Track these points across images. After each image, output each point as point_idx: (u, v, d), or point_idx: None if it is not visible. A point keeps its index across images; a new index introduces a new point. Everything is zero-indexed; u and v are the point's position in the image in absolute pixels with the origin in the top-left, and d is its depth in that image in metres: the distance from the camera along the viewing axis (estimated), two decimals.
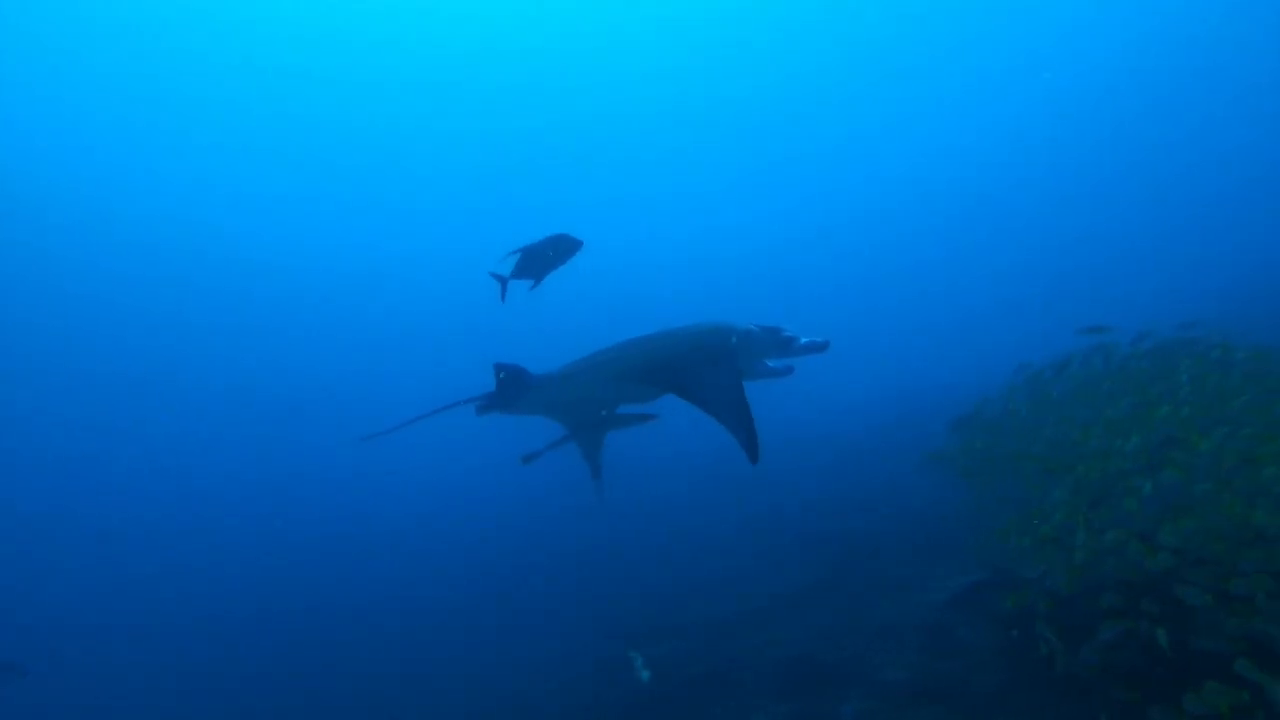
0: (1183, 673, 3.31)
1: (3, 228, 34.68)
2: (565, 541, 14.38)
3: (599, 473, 5.10)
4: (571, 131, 41.78)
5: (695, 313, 4.61)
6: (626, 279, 43.24)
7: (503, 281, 6.06)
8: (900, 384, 20.50)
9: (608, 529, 14.11)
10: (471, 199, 42.50)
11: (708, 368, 4.32)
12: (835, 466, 14.04)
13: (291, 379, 38.27)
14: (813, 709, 6.34)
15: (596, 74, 39.87)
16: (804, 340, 4.73)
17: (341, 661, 11.68)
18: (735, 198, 46.70)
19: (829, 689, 6.51)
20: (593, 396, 4.89)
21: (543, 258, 5.96)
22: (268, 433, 32.46)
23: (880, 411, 17.54)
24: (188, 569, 17.78)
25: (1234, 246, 26.34)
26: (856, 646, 7.15)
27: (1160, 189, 38.34)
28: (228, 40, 34.35)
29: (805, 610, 8.33)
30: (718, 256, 46.24)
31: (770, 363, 4.89)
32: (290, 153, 40.71)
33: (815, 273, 46.13)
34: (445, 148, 42.13)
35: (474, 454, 22.11)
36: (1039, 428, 5.74)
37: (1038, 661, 4.58)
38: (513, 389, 4.65)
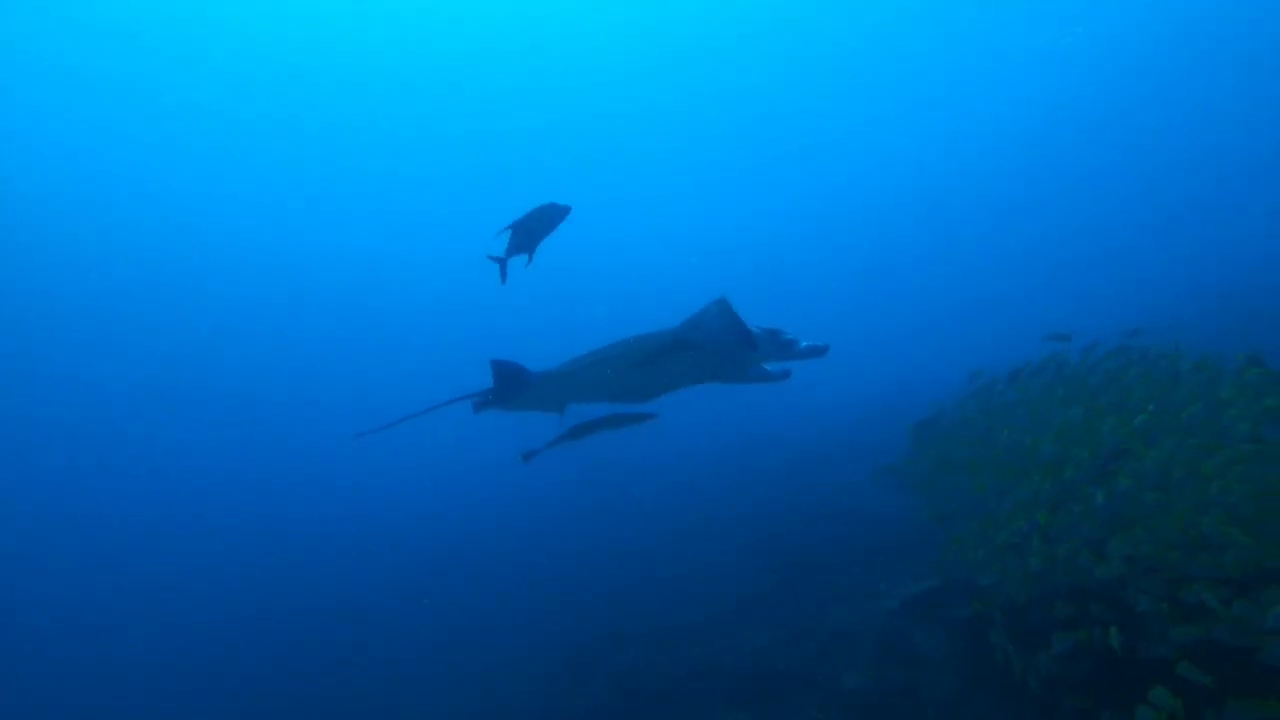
0: (1135, 680, 3.33)
1: (2, 229, 34.68)
2: (534, 546, 14.34)
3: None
4: (569, 131, 41.86)
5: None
6: (625, 279, 43.64)
7: (501, 263, 6.14)
8: (868, 386, 20.66)
9: (574, 535, 14.09)
10: (469, 198, 42.37)
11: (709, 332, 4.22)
12: (794, 471, 14.10)
13: (291, 379, 38.19)
14: (770, 718, 6.32)
15: (593, 74, 39.96)
16: (804, 344, 4.62)
17: (326, 661, 11.65)
18: (707, 197, 46.91)
19: (786, 697, 6.49)
20: (592, 392, 4.82)
21: (533, 230, 6.02)
22: (266, 434, 32.25)
23: (845, 414, 17.65)
24: (186, 569, 17.51)
25: (1208, 246, 26.94)
26: (812, 654, 7.14)
27: (1135, 189, 39.19)
28: (225, 40, 34.27)
29: (762, 617, 8.32)
30: (709, 256, 46.54)
31: (768, 366, 4.79)
32: (288, 154, 40.50)
33: (788, 273, 46.61)
34: (442, 147, 42.07)
35: (462, 456, 22.41)
36: (992, 436, 5.77)
37: (992, 669, 4.60)
38: (510, 386, 4.55)
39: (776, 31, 36.93)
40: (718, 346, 4.24)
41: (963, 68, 38.57)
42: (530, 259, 6.10)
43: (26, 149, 34.03)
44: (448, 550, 15.75)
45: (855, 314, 38.69)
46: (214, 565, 17.69)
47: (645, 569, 11.30)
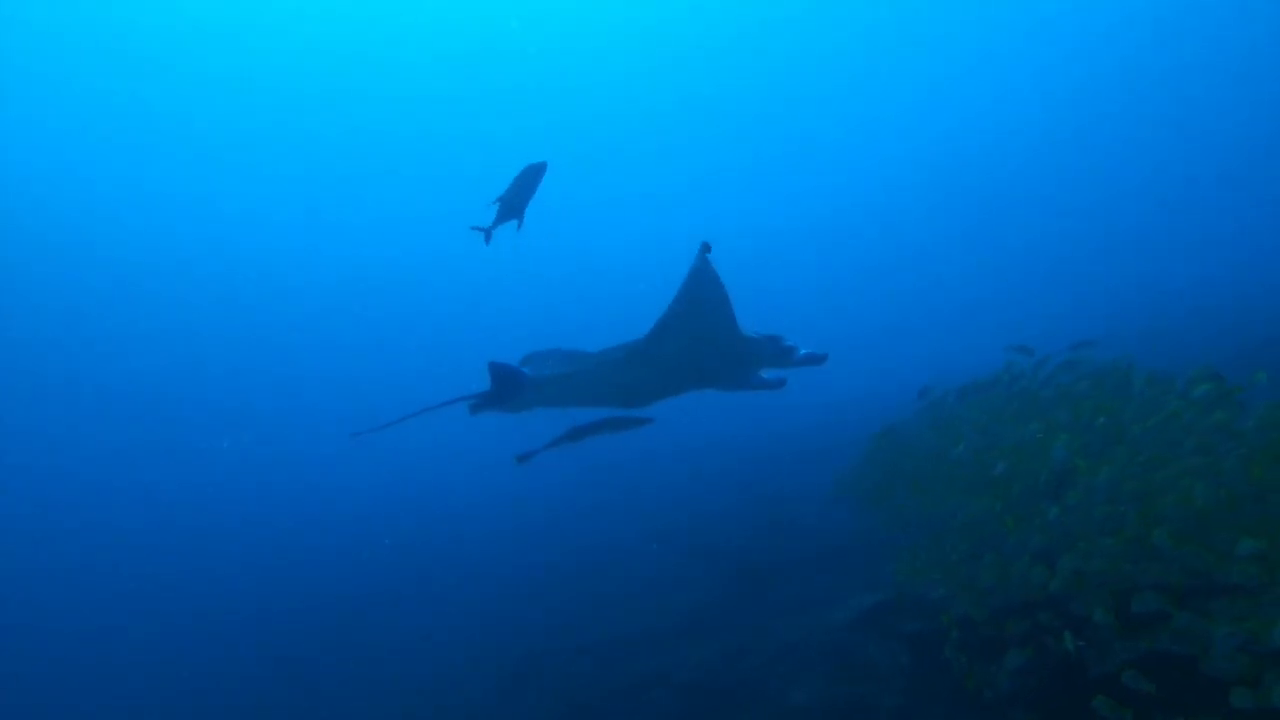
0: (1087, 693, 3.30)
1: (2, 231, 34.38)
2: (482, 556, 14.12)
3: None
4: (566, 130, 41.91)
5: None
6: (622, 279, 43.22)
7: (486, 232, 6.59)
8: (836, 389, 20.62)
9: (519, 546, 13.86)
10: (470, 198, 41.55)
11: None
12: (749, 477, 14.02)
13: (288, 379, 37.58)
14: None
15: (590, 73, 40.22)
16: (803, 351, 4.49)
17: (277, 667, 11.60)
18: (695, 197, 47.01)
19: (732, 713, 6.37)
20: (589, 396, 4.73)
21: (519, 196, 6.46)
22: (263, 435, 31.59)
23: (808, 417, 17.60)
24: (184, 571, 17.16)
25: (1184, 252, 27.25)
26: (760, 668, 7.04)
27: (1113, 194, 39.51)
28: (220, 45, 34.46)
29: (709, 630, 8.20)
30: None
31: (764, 373, 4.65)
32: (287, 154, 40.37)
33: (771, 272, 46.49)
34: (441, 147, 42.06)
35: (436, 461, 22.44)
36: (945, 451, 5.76)
37: (942, 683, 4.55)
38: (506, 389, 4.49)
39: (765, 31, 37.47)
40: (706, 318, 4.06)
41: (927, 84, 39.29)
42: (520, 224, 6.46)
43: (24, 153, 33.92)
44: (402, 557, 15.54)
45: (832, 315, 38.37)
46: (208, 568, 17.38)
47: (594, 579, 11.14)
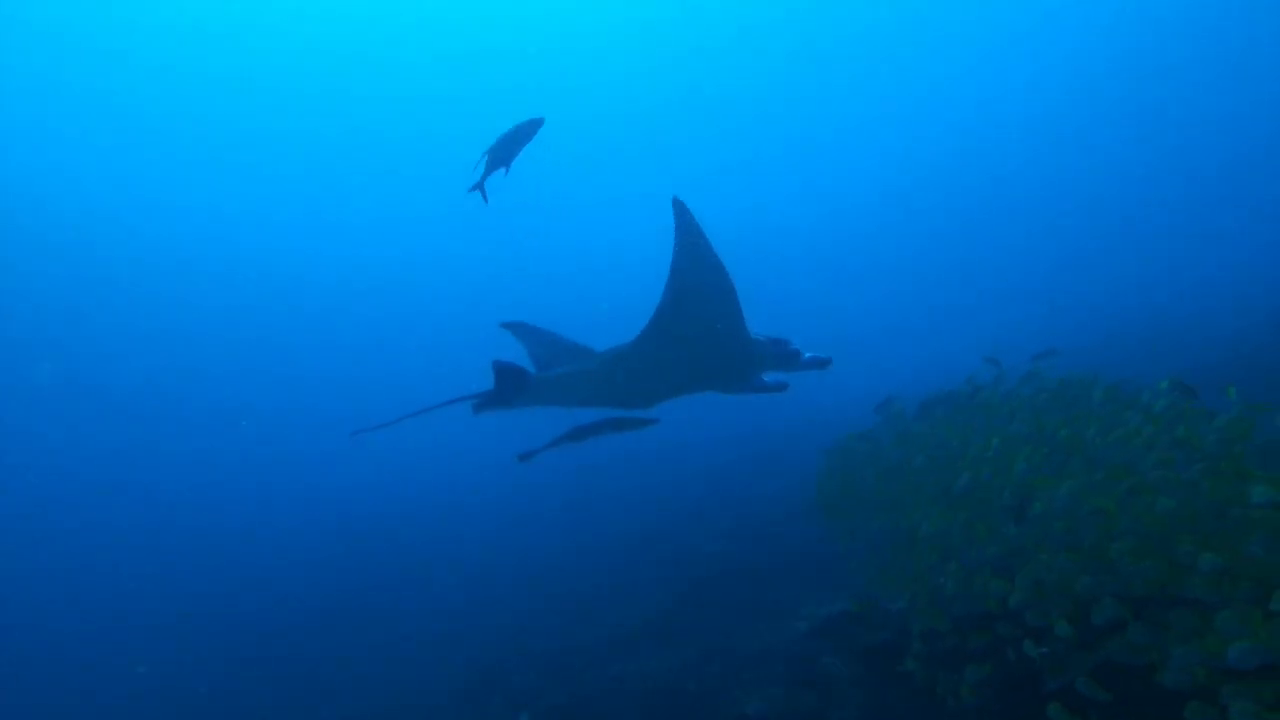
0: (1044, 704, 3.31)
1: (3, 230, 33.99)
2: (441, 560, 13.98)
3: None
4: (566, 129, 41.37)
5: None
6: (622, 278, 42.63)
7: (481, 189, 6.46)
8: (814, 393, 20.46)
9: (480, 550, 13.73)
10: (469, 196, 41.47)
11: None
12: (715, 483, 13.96)
13: (288, 382, 37.05)
14: None
15: (590, 72, 40.33)
16: (808, 355, 4.44)
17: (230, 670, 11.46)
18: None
19: None
20: (591, 395, 4.68)
21: (508, 147, 6.35)
22: (262, 435, 31.13)
23: (780, 422, 17.50)
24: (181, 572, 16.84)
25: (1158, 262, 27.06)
26: (719, 677, 6.99)
27: (1089, 200, 39.22)
28: (219, 43, 34.39)
29: (668, 638, 8.13)
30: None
31: (766, 377, 4.60)
32: (284, 155, 40.22)
33: (765, 274, 45.70)
34: (440, 146, 40.53)
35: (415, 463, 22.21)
36: (906, 464, 5.74)
37: (900, 694, 4.54)
38: (510, 388, 4.47)
39: (765, 31, 37.89)
40: (706, 289, 3.90)
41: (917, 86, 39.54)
42: (507, 171, 6.40)
43: (23, 153, 33.64)
44: (362, 560, 15.40)
45: (821, 316, 38.14)
46: (201, 571, 16.98)
47: (554, 585, 11.02)
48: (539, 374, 4.54)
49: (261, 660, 11.68)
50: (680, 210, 3.58)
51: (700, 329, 4.05)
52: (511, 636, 9.48)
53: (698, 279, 3.80)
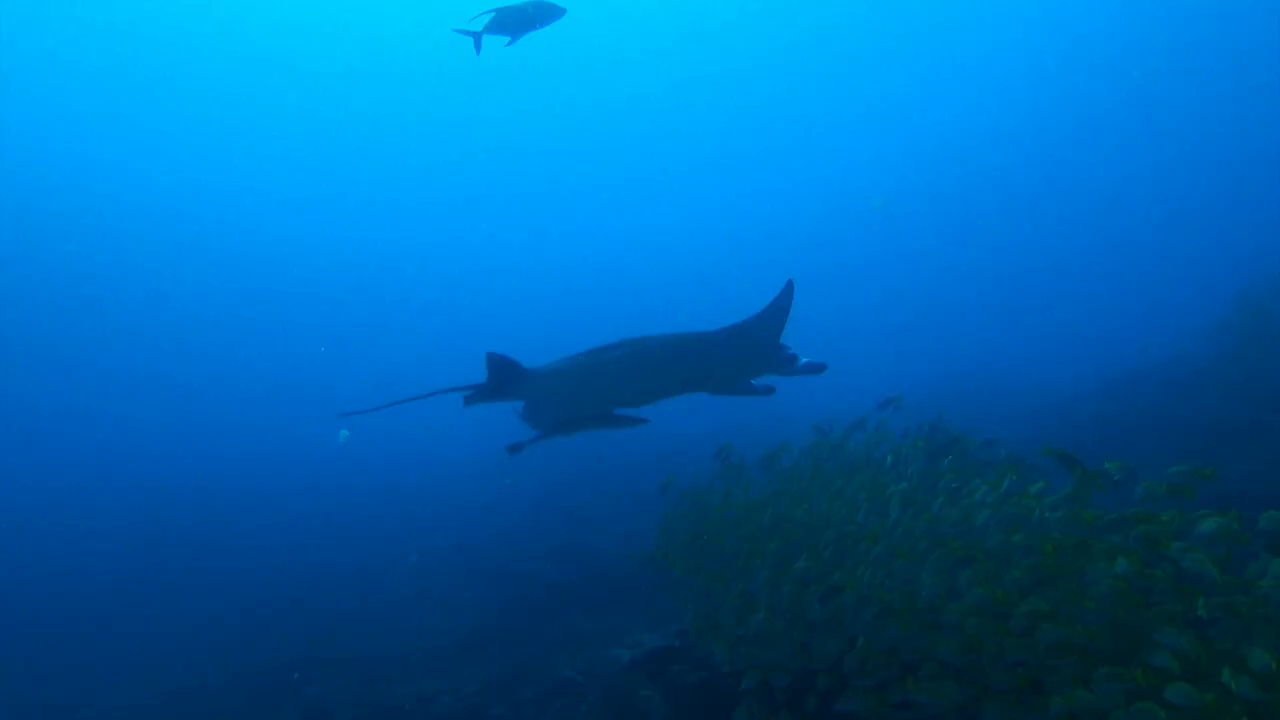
0: None
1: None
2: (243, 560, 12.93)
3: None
4: (565, 128, 41.25)
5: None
6: (622, 277, 41.26)
7: (475, 36, 6.08)
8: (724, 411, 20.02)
9: (284, 552, 12.61)
10: (469, 195, 40.60)
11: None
12: (553, 499, 13.35)
13: (287, 375, 34.40)
14: None
15: (590, 70, 39.55)
16: (804, 360, 4.47)
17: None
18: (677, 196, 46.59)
19: None
20: (584, 393, 4.65)
21: (518, 18, 6.00)
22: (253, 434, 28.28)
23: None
24: (175, 568, 14.49)
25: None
26: (531, 702, 6.70)
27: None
28: (218, 41, 34.08)
29: (483, 656, 7.74)
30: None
31: (754, 380, 4.68)
32: (285, 147, 39.47)
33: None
34: (437, 141, 40.66)
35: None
36: (748, 516, 5.66)
37: None
38: (503, 381, 4.50)
39: (764, 31, 37.99)
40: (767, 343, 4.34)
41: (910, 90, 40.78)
42: (512, 41, 6.13)
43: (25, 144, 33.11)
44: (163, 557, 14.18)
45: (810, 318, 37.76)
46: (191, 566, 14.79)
47: (363, 593, 10.28)
48: (532, 367, 4.51)
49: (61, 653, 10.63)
50: (787, 292, 4.12)
51: (730, 367, 4.50)
52: (310, 640, 8.72)
53: (757, 340, 4.29)
